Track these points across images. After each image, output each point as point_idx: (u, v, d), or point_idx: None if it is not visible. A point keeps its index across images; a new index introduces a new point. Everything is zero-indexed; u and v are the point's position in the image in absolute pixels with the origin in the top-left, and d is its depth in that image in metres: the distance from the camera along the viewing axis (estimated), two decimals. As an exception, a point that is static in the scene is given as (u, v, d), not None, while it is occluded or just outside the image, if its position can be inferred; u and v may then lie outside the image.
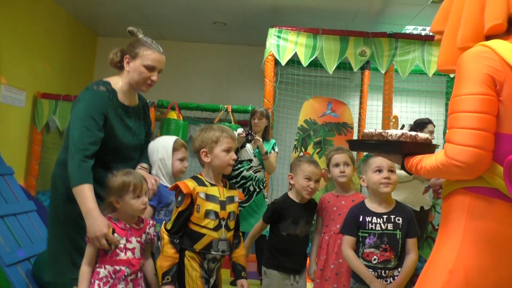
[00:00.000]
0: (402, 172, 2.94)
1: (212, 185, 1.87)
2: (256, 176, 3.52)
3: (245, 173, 3.49)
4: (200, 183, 1.84)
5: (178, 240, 1.77)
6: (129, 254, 1.76)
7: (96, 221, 1.70)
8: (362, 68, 4.85)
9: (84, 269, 1.73)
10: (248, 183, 3.49)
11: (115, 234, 1.75)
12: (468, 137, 1.11)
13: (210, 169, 1.89)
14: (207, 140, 1.87)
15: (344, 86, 5.18)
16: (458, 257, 1.15)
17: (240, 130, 3.54)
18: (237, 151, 3.48)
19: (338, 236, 2.09)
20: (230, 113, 4.52)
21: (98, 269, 1.74)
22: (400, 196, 3.38)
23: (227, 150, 1.87)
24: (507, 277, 1.11)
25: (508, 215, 1.13)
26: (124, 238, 1.77)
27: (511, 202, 1.12)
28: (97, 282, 1.71)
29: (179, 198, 1.82)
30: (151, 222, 1.91)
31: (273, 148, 3.56)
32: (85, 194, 1.73)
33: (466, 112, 1.13)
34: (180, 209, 1.79)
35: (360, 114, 5.16)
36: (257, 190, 3.52)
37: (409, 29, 5.27)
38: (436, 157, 1.20)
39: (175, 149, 2.20)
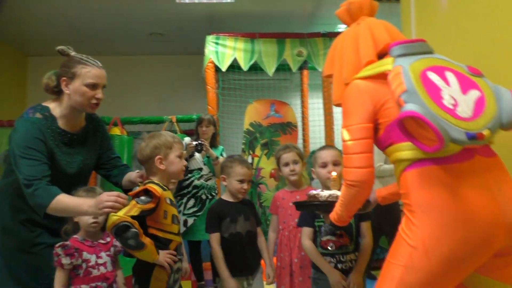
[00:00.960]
0: (389, 166, 3.01)
1: (168, 189, 1.82)
2: (207, 184, 3.52)
3: (196, 182, 3.47)
4: (163, 188, 1.76)
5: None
6: (102, 269, 1.76)
7: (90, 205, 1.60)
8: (301, 68, 5.01)
9: None
10: (200, 192, 3.47)
11: (84, 253, 1.74)
12: (355, 161, 1.38)
13: (164, 176, 1.80)
14: (160, 146, 1.79)
15: (285, 87, 5.31)
16: (415, 232, 1.23)
17: (187, 139, 3.53)
18: (186, 161, 3.46)
19: (298, 230, 2.13)
20: (175, 123, 4.49)
21: None
22: None
23: (180, 156, 1.84)
24: (461, 239, 1.18)
25: (441, 177, 1.23)
26: (94, 255, 1.77)
27: (440, 164, 1.23)
28: None
29: (143, 197, 1.65)
30: None
31: (221, 154, 3.58)
32: (65, 201, 1.63)
33: (350, 140, 1.39)
34: (144, 207, 1.63)
35: (302, 113, 5.31)
36: (210, 197, 3.51)
37: (341, 28, 5.52)
38: (342, 190, 1.47)
39: None
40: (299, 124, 4.88)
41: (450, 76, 1.28)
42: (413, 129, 1.20)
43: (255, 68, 4.55)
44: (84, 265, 1.73)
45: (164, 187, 1.79)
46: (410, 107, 1.16)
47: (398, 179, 1.37)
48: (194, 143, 3.39)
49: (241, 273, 2.12)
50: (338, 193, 1.58)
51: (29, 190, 1.64)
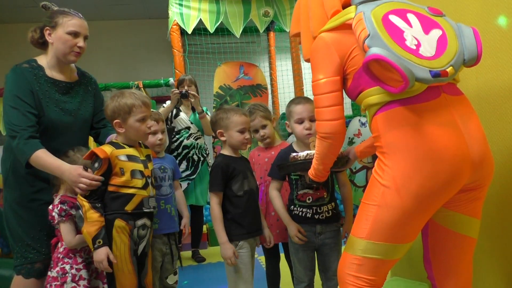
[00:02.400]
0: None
1: (130, 146, 1.84)
2: (198, 144, 3.39)
3: (185, 142, 3.34)
4: (118, 146, 1.80)
5: (100, 204, 1.72)
6: None
7: (67, 171, 1.72)
8: (268, 30, 4.94)
9: (78, 237, 1.79)
10: (191, 152, 3.34)
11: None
12: (326, 114, 1.40)
13: (125, 136, 1.84)
14: (119, 110, 1.78)
15: (253, 50, 5.25)
16: (387, 171, 1.27)
17: (171, 81, 3.39)
18: (171, 122, 3.34)
19: (275, 185, 2.13)
20: (142, 89, 4.37)
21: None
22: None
23: (142, 119, 1.81)
24: (429, 175, 1.23)
25: (409, 117, 1.26)
26: None
27: (407, 104, 1.26)
28: (77, 255, 1.82)
29: (96, 164, 1.73)
30: None
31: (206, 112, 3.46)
32: (42, 158, 1.74)
33: (320, 94, 1.41)
34: (98, 173, 1.73)
35: (271, 75, 5.29)
36: (202, 159, 3.41)
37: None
38: (317, 144, 1.50)
39: None
40: (268, 87, 4.87)
41: (412, 17, 1.31)
42: (379, 73, 1.23)
43: (222, 30, 4.46)
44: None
45: (123, 145, 1.82)
46: (374, 50, 1.18)
47: (370, 125, 1.40)
48: (179, 90, 3.28)
49: (256, 232, 2.02)
50: (313, 152, 1.61)
51: (14, 142, 1.75)
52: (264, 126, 2.25)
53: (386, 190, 1.26)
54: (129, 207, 1.76)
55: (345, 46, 1.37)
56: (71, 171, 1.71)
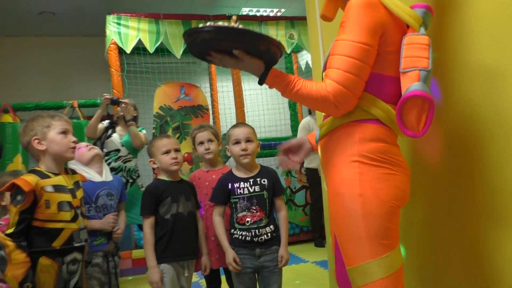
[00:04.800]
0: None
1: (55, 175, 1.69)
2: (126, 166, 3.32)
3: (113, 164, 3.26)
4: (42, 176, 1.64)
5: (25, 243, 1.56)
6: None
7: None
8: (208, 51, 4.96)
9: None
10: (119, 175, 3.26)
11: None
12: (339, 76, 1.21)
13: (49, 158, 1.69)
14: (36, 127, 1.67)
15: (194, 71, 5.23)
16: (361, 179, 1.23)
17: (106, 122, 3.37)
18: (103, 142, 3.27)
19: (215, 208, 2.13)
20: (77, 108, 4.18)
21: None
22: (313, 163, 3.89)
23: (64, 132, 1.71)
24: (402, 180, 1.26)
25: (393, 136, 1.31)
26: None
27: (392, 129, 1.30)
28: None
29: (19, 197, 1.56)
30: None
31: (140, 131, 3.39)
32: None
33: (342, 55, 1.22)
34: (21, 208, 1.56)
35: (212, 96, 5.29)
36: (130, 181, 3.33)
37: (245, 10, 5.58)
38: (316, 87, 1.26)
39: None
40: (210, 108, 4.85)
41: None
42: (407, 106, 1.18)
43: (162, 50, 4.41)
44: None
45: (48, 173, 1.68)
46: (424, 89, 1.15)
47: (336, 124, 1.33)
48: (110, 96, 3.27)
49: (183, 257, 2.03)
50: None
51: None
52: (210, 140, 2.29)
53: (365, 199, 1.21)
54: (57, 243, 1.62)
55: (390, 38, 1.26)
56: None
